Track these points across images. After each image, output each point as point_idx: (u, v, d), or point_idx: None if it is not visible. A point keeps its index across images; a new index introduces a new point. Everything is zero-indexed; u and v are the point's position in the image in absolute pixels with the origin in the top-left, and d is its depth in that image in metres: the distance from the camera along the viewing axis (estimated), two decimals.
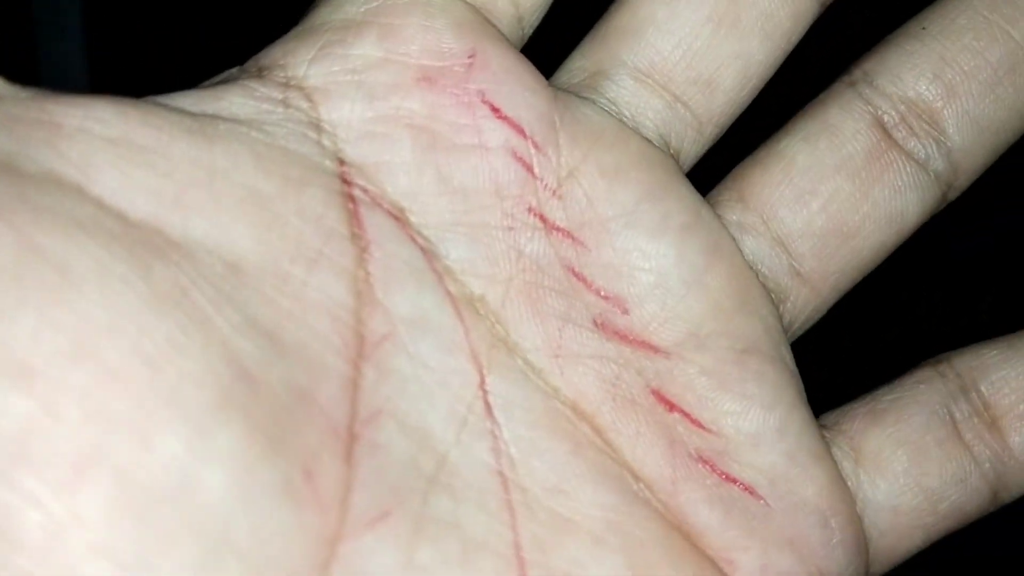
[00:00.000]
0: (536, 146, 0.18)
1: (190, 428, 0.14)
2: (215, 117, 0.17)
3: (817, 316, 0.21)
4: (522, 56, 0.19)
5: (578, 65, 0.20)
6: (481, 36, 0.18)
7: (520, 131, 0.18)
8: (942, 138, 0.20)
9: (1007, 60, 0.20)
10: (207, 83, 0.18)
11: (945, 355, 0.21)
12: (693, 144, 0.20)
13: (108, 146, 0.15)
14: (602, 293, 0.19)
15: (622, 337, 0.19)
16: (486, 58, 0.18)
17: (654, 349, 0.19)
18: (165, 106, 0.16)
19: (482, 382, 0.17)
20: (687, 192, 0.19)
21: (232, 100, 0.17)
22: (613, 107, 0.20)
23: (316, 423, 0.15)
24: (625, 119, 0.20)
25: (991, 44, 0.20)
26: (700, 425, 0.19)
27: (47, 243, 0.14)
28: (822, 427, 0.20)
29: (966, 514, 0.20)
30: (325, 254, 0.16)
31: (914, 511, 0.20)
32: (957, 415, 0.20)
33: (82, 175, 0.15)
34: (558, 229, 0.18)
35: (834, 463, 0.19)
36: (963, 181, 0.21)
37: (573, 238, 0.19)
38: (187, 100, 0.17)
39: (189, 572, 0.13)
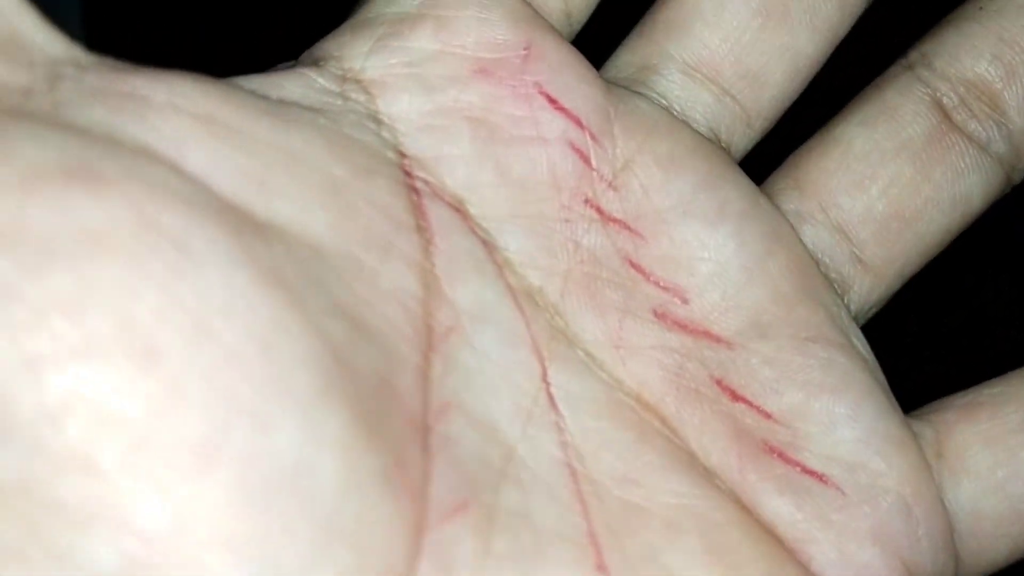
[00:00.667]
0: (593, 137, 0.19)
1: (303, 413, 0.14)
2: (283, 101, 0.17)
3: (883, 302, 0.21)
4: (575, 49, 0.19)
5: (625, 60, 0.20)
6: (535, 28, 0.19)
7: (577, 122, 0.18)
8: (1003, 120, 0.20)
9: None
10: (264, 73, 0.18)
11: None
12: (743, 138, 0.20)
13: (197, 123, 0.15)
14: (661, 284, 0.19)
15: (683, 327, 0.18)
16: (541, 50, 0.18)
17: (716, 339, 0.19)
18: (239, 87, 0.16)
19: (544, 374, 0.17)
20: (743, 181, 0.19)
21: (293, 89, 0.17)
22: (663, 101, 0.20)
23: (399, 412, 0.15)
24: (675, 113, 0.20)
25: None
26: (765, 414, 0.18)
27: (165, 219, 0.13)
28: (912, 416, 0.19)
29: None
30: (395, 244, 0.16)
31: (997, 515, 0.19)
32: None
33: (176, 151, 0.14)
34: (615, 220, 0.19)
35: (918, 450, 0.19)
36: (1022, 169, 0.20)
37: (630, 229, 0.19)
38: (252, 84, 0.17)
39: (304, 560, 0.13)
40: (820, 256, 0.20)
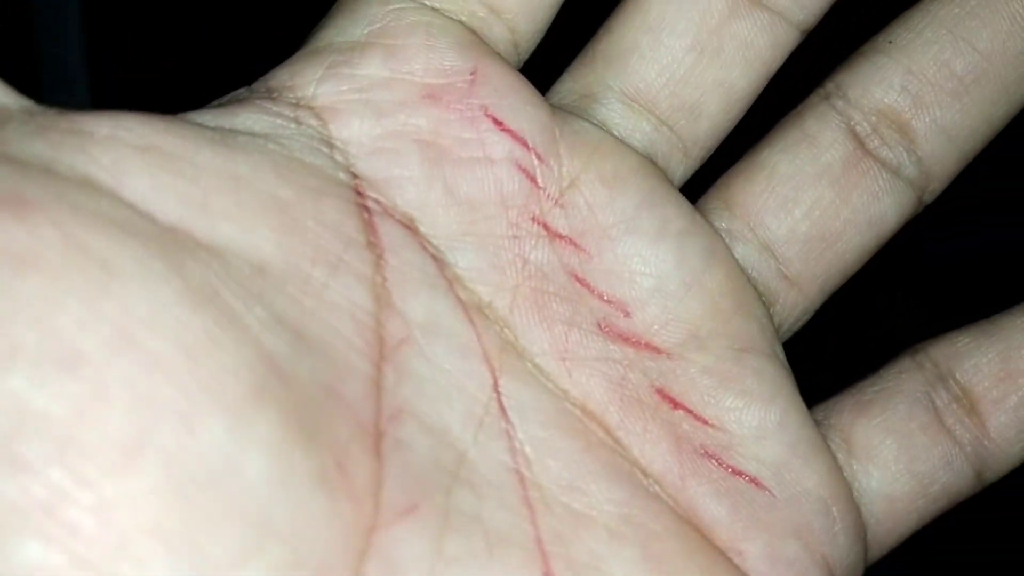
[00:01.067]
0: (539, 157, 0.19)
1: (230, 416, 0.14)
2: (234, 130, 0.17)
3: (805, 317, 0.22)
4: (520, 74, 0.20)
5: (567, 88, 0.21)
6: (481, 55, 0.19)
7: (523, 143, 0.19)
8: (912, 146, 0.21)
9: (972, 71, 0.21)
10: (216, 102, 0.18)
11: (921, 345, 0.22)
12: (680, 165, 0.21)
13: (138, 153, 0.15)
14: (605, 297, 0.19)
15: (625, 339, 0.19)
16: (487, 74, 0.19)
17: (657, 350, 0.19)
18: (187, 120, 0.17)
19: (495, 384, 0.18)
20: (682, 200, 0.20)
21: (247, 116, 0.18)
22: (604, 128, 0.20)
23: (345, 418, 0.16)
24: (616, 138, 0.20)
25: (956, 56, 0.21)
26: (704, 421, 0.19)
27: (89, 240, 0.14)
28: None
29: (954, 495, 0.21)
30: (344, 260, 0.17)
31: (907, 495, 0.21)
32: (937, 402, 0.21)
33: (115, 180, 0.15)
34: (561, 237, 0.19)
35: (831, 454, 0.20)
36: (936, 186, 0.22)
37: (576, 245, 0.19)
38: (204, 117, 0.17)
39: (234, 555, 0.14)
40: (749, 272, 0.21)
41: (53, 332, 0.13)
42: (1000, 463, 0.21)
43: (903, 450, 0.21)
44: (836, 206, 0.21)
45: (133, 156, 0.15)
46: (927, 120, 0.21)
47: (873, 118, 0.21)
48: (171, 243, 0.15)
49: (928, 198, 0.22)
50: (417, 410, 0.17)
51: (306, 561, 0.14)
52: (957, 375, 0.21)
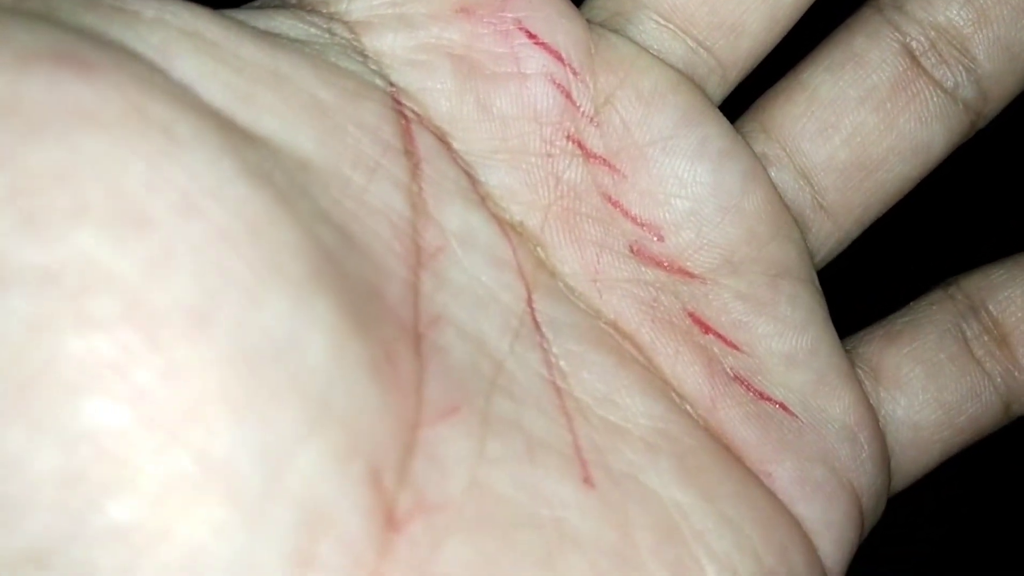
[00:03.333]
0: (574, 72, 0.19)
1: (293, 293, 0.14)
2: (270, 31, 0.17)
3: (839, 248, 0.21)
4: None
5: (599, 5, 0.21)
6: None
7: (557, 57, 0.19)
8: (972, 65, 0.20)
9: None
10: (249, 5, 0.18)
11: (954, 278, 0.21)
12: (716, 88, 0.21)
13: (184, 37, 0.15)
14: (638, 220, 0.19)
15: (657, 263, 0.19)
16: None
17: (689, 275, 0.19)
18: (228, 15, 0.17)
19: (529, 299, 0.18)
20: (722, 119, 0.20)
21: (282, 20, 0.17)
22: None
23: (388, 317, 0.15)
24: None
25: None
26: (735, 346, 0.19)
27: (150, 106, 0.14)
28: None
29: (981, 427, 0.21)
30: (382, 164, 0.17)
31: (933, 425, 0.21)
32: (968, 333, 0.21)
33: (163, 60, 0.15)
34: (595, 156, 0.19)
35: (859, 382, 0.20)
36: (992, 109, 0.21)
37: (610, 165, 0.19)
38: (240, 16, 0.17)
39: (297, 429, 0.13)
40: (783, 198, 0.20)
41: (121, 191, 0.13)
42: None
43: (931, 379, 0.21)
44: (880, 132, 0.20)
45: (180, 39, 0.15)
46: (990, 36, 0.20)
47: (932, 33, 0.20)
48: (224, 123, 0.15)
49: (981, 123, 0.21)
50: (454, 318, 0.16)
51: (360, 447, 0.14)
52: (990, 307, 0.21)
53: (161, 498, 0.13)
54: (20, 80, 0.13)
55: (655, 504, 0.17)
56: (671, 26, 0.20)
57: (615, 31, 0.20)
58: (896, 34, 0.20)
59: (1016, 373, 0.21)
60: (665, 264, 0.19)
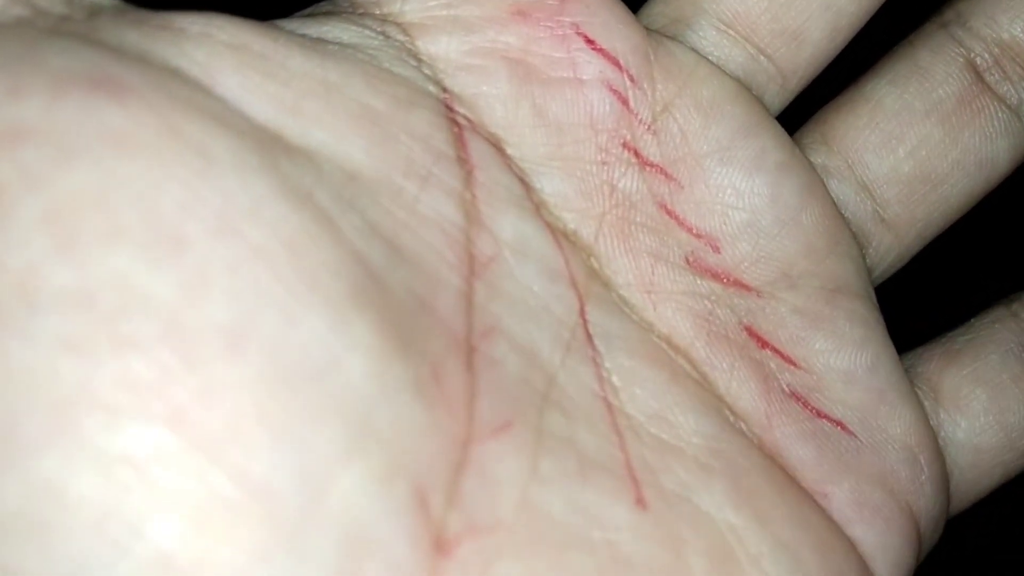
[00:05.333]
0: (631, 79, 0.19)
1: (331, 313, 0.14)
2: (321, 39, 0.17)
3: (900, 263, 0.21)
4: None
5: (658, 11, 0.20)
6: None
7: (615, 63, 0.18)
8: None
9: None
10: (300, 13, 0.18)
11: (1016, 295, 0.21)
12: (776, 97, 0.20)
13: (230, 51, 0.15)
14: (694, 231, 0.19)
15: (714, 275, 0.19)
16: None
17: (746, 288, 0.19)
18: (276, 24, 0.17)
19: (582, 310, 0.17)
20: (780, 131, 0.20)
21: (334, 26, 0.17)
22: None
23: (437, 331, 0.15)
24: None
25: None
26: (792, 362, 0.19)
27: (186, 128, 0.14)
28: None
29: None
30: (435, 173, 0.16)
31: (995, 448, 0.20)
32: None
33: (207, 76, 0.15)
34: (651, 165, 0.19)
35: (920, 402, 0.20)
36: None
37: (666, 174, 0.19)
38: (291, 25, 0.17)
39: (338, 451, 0.13)
40: (844, 211, 0.20)
41: (156, 214, 0.13)
42: None
43: (993, 401, 0.20)
44: (945, 146, 0.20)
45: (226, 54, 0.15)
46: None
47: (996, 49, 0.20)
48: (265, 140, 0.15)
49: None
50: (508, 329, 0.16)
51: (406, 467, 0.14)
52: None
53: (200, 522, 0.12)
54: (54, 105, 0.13)
55: (709, 527, 0.16)
56: (732, 33, 0.20)
57: (674, 38, 0.20)
58: (960, 49, 0.20)
59: None
60: (721, 276, 0.19)
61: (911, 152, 0.20)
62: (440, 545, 0.14)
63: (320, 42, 0.17)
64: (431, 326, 0.15)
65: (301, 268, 0.14)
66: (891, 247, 0.21)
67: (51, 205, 0.13)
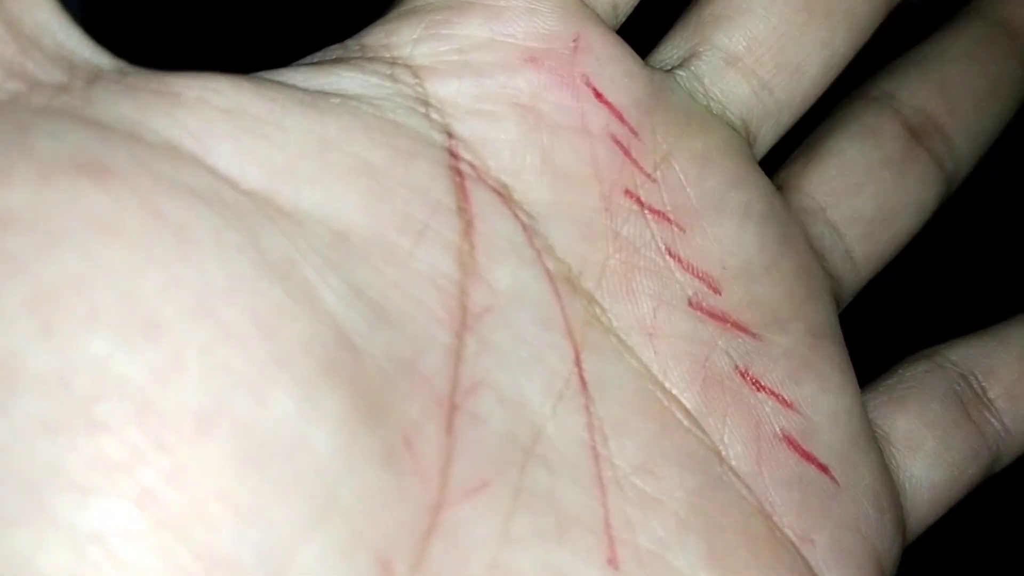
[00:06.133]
0: (632, 131, 0.19)
1: (300, 390, 0.14)
2: (325, 92, 0.17)
3: (851, 299, 0.23)
4: (622, 40, 0.19)
5: (674, 44, 0.21)
6: (584, 20, 0.19)
7: (619, 116, 0.19)
8: (950, 144, 0.23)
9: (990, 84, 0.24)
10: (308, 59, 0.18)
11: (933, 349, 0.23)
12: (771, 131, 0.21)
13: (224, 117, 0.15)
14: (696, 272, 0.19)
15: (714, 316, 0.19)
16: (590, 41, 0.19)
17: (743, 329, 0.19)
18: (277, 81, 0.17)
19: (577, 358, 0.18)
20: (763, 181, 0.21)
21: (341, 74, 0.17)
22: (701, 87, 0.21)
23: (418, 393, 0.16)
24: (712, 101, 0.21)
25: (982, 73, 0.24)
26: (787, 403, 0.19)
27: (168, 209, 0.14)
28: None
29: (973, 486, 0.22)
30: (431, 226, 0.17)
31: (945, 484, 0.22)
32: (964, 397, 0.22)
33: (199, 145, 0.15)
34: (654, 211, 0.19)
35: (879, 446, 0.21)
36: (958, 181, 0.24)
37: (668, 220, 0.19)
38: (297, 76, 0.17)
39: (299, 526, 0.14)
40: (821, 252, 0.22)
41: (134, 298, 0.14)
42: (1010, 455, 0.23)
43: (940, 442, 0.22)
44: (896, 189, 0.23)
45: (219, 120, 0.15)
46: (961, 124, 0.23)
47: (921, 116, 0.23)
48: (250, 212, 0.15)
49: (951, 190, 0.24)
50: (496, 382, 0.17)
51: (369, 537, 0.14)
52: (977, 375, 0.23)
53: None
54: (41, 192, 0.14)
55: None
56: (740, 65, 0.21)
57: (684, 73, 0.21)
58: (897, 115, 0.23)
59: (1003, 434, 0.22)
60: (722, 317, 0.19)
61: (872, 196, 0.23)
62: None
63: (322, 96, 0.17)
64: (410, 389, 0.15)
65: (272, 347, 0.14)
66: (853, 285, 0.23)
67: (35, 290, 0.13)
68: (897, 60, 0.24)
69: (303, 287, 0.15)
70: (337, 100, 0.17)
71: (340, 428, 0.14)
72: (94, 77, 0.15)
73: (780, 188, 0.22)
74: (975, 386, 0.23)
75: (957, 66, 0.24)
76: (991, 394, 0.23)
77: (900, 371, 0.23)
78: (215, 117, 0.15)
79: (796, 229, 0.21)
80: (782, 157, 0.23)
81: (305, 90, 0.17)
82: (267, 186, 0.15)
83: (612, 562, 0.16)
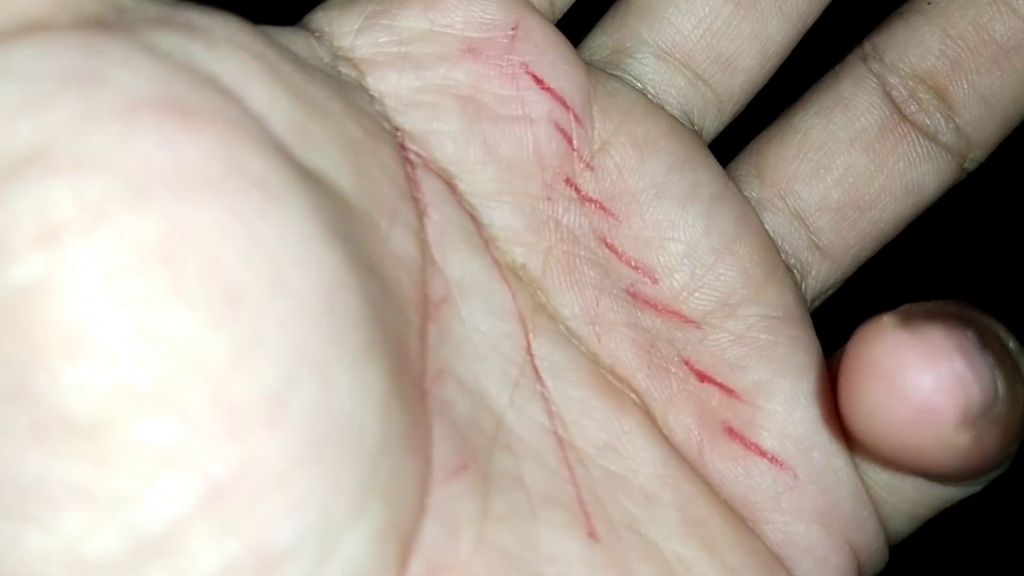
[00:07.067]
0: (576, 118, 0.19)
1: (353, 368, 0.14)
2: (299, 57, 0.16)
3: (838, 286, 0.21)
4: (558, 30, 0.19)
5: (599, 43, 0.21)
6: (522, 9, 0.19)
7: (563, 102, 0.19)
8: (950, 112, 0.21)
9: (1012, 36, 0.20)
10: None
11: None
12: (714, 121, 0.21)
13: (255, 61, 0.15)
14: (633, 263, 0.19)
15: (653, 306, 0.19)
16: (528, 30, 0.19)
17: (684, 319, 0.19)
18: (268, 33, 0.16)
19: (528, 346, 0.17)
20: (713, 164, 0.20)
21: (300, 49, 0.17)
22: (638, 83, 0.20)
23: (411, 374, 0.15)
24: (650, 95, 0.20)
25: (995, 20, 0.20)
26: (732, 392, 0.19)
27: (249, 161, 0.13)
28: None
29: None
30: (400, 210, 0.16)
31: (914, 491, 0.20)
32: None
33: (241, 88, 0.14)
34: (591, 200, 0.19)
35: None
36: (979, 154, 0.21)
37: (605, 209, 0.19)
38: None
39: (350, 512, 0.13)
40: (780, 243, 0.20)
41: (217, 267, 0.13)
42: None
43: None
44: (871, 172, 0.21)
45: (252, 63, 0.15)
46: (965, 86, 0.21)
47: (910, 82, 0.21)
48: (299, 168, 0.14)
49: (970, 165, 0.21)
50: (456, 371, 0.16)
51: (397, 522, 0.14)
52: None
53: None
54: (127, 134, 0.13)
55: (657, 557, 0.17)
56: (671, 60, 0.20)
57: (615, 70, 0.20)
58: (878, 82, 0.21)
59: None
60: (660, 307, 0.19)
61: (839, 180, 0.21)
62: None
63: (299, 59, 0.16)
64: (407, 369, 0.15)
65: (333, 319, 0.13)
66: (829, 273, 0.21)
67: (114, 251, 0.12)
68: (903, 5, 0.21)
69: (350, 254, 0.14)
70: (311, 67, 0.16)
71: (383, 406, 0.14)
72: (118, 7, 0.14)
73: (734, 177, 0.21)
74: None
75: (970, 9, 0.20)
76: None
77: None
78: (249, 60, 0.15)
79: (752, 212, 0.20)
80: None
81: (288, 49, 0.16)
82: (289, 142, 0.15)
83: (592, 535, 0.16)
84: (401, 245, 0.16)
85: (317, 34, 0.18)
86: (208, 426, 0.12)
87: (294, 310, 0.13)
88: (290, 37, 0.17)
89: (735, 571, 0.17)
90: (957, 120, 0.21)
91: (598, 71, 0.20)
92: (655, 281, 0.19)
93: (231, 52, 0.14)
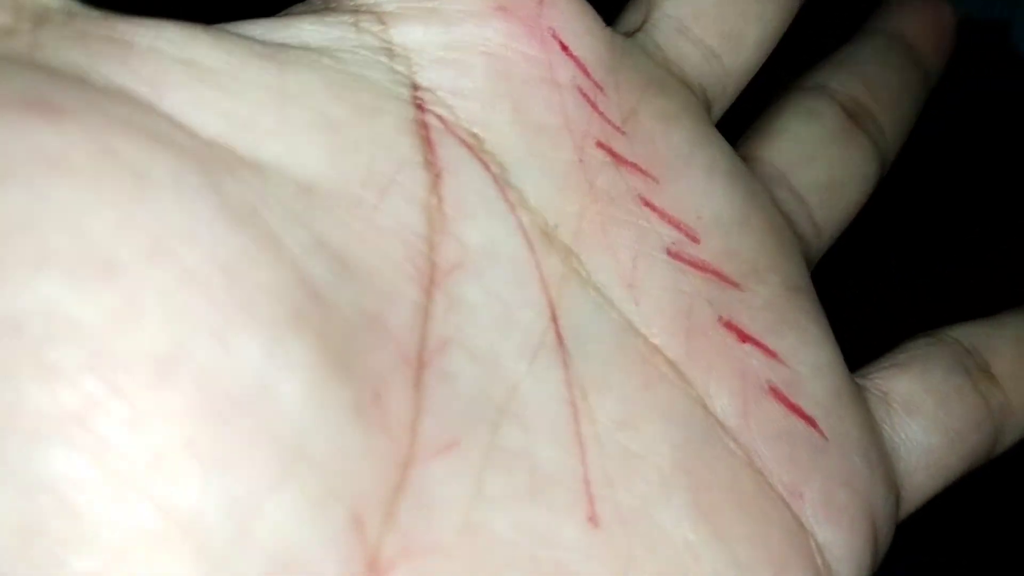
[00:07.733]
0: (598, 86, 0.19)
1: (266, 337, 0.13)
2: (285, 45, 0.16)
3: (811, 267, 0.23)
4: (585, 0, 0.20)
5: (630, 18, 0.22)
6: None
7: (585, 70, 0.19)
8: (879, 128, 0.25)
9: (901, 82, 0.26)
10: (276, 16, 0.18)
11: (936, 331, 0.23)
12: (719, 100, 0.22)
13: (179, 66, 0.15)
14: (675, 222, 0.19)
15: (695, 266, 0.19)
16: None
17: (725, 279, 0.19)
18: (236, 33, 0.16)
19: (554, 313, 0.17)
20: (723, 142, 0.21)
21: (302, 27, 0.17)
22: (660, 52, 0.21)
23: (386, 348, 0.15)
24: (671, 64, 0.21)
25: (894, 73, 0.26)
26: (771, 353, 0.19)
27: (122, 148, 0.13)
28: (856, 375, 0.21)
29: (976, 459, 0.22)
30: (397, 181, 0.16)
31: (942, 450, 0.21)
32: (967, 368, 0.22)
33: (153, 92, 0.14)
34: (626, 163, 0.19)
35: (865, 401, 0.20)
36: (889, 164, 0.25)
37: (642, 171, 0.19)
38: (256, 29, 0.17)
39: (268, 478, 0.13)
40: (789, 216, 0.22)
41: (87, 238, 0.13)
42: (1013, 434, 0.23)
43: (941, 406, 0.21)
44: (844, 161, 0.24)
45: (174, 69, 0.15)
46: (888, 112, 0.25)
47: (854, 104, 0.25)
48: (209, 158, 0.14)
49: (884, 172, 0.25)
50: (466, 340, 0.16)
51: (340, 493, 0.14)
52: (981, 352, 0.23)
53: (124, 552, 0.12)
54: None
55: (664, 544, 0.16)
56: (690, 34, 0.21)
57: (642, 42, 0.21)
58: (832, 99, 0.25)
59: (1007, 411, 0.22)
60: (702, 267, 0.19)
61: (824, 167, 0.24)
62: (374, 568, 0.14)
63: (281, 49, 0.16)
64: (378, 344, 0.15)
65: (237, 292, 0.13)
66: (817, 251, 0.23)
67: None
68: (824, 61, 0.26)
69: (267, 235, 0.14)
70: (295, 53, 0.16)
71: (309, 378, 0.14)
72: (41, 19, 0.14)
73: (742, 155, 0.22)
74: (978, 360, 0.22)
75: (873, 66, 0.26)
76: (994, 370, 0.22)
77: (904, 344, 0.23)
78: (169, 66, 0.15)
79: (762, 188, 0.21)
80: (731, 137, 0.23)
81: (264, 43, 0.16)
82: (226, 136, 0.15)
83: (592, 519, 0.16)
84: (396, 216, 0.16)
85: (335, 3, 0.18)
86: (89, 385, 0.12)
87: (181, 279, 0.13)
88: (290, 23, 0.17)
89: (744, 564, 0.17)
90: (884, 135, 0.25)
91: (622, 39, 0.20)
92: (696, 240, 0.19)
93: (145, 62, 0.15)
